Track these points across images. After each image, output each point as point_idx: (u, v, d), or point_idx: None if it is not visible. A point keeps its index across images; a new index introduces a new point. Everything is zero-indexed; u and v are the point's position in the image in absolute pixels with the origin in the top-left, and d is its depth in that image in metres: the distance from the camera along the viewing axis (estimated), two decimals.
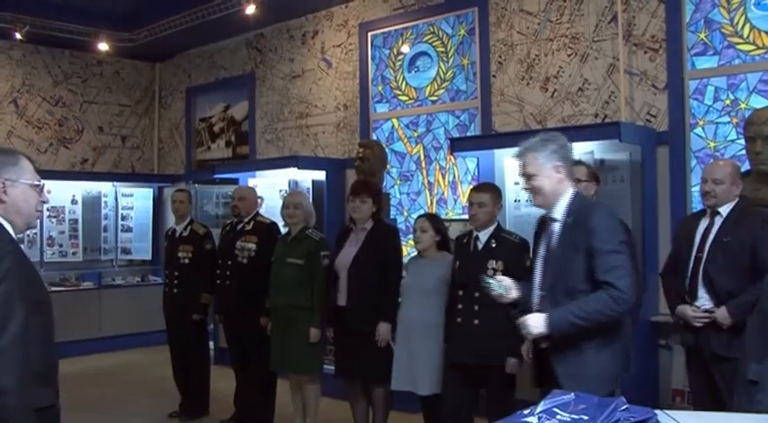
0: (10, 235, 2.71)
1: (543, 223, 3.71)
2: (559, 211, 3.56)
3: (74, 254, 10.32)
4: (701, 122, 5.94)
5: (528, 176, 3.57)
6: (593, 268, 3.38)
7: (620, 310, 3.33)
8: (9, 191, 2.74)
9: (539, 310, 3.50)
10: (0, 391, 2.41)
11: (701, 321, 4.26)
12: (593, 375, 3.37)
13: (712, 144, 5.87)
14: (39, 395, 2.60)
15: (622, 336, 3.47)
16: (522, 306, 3.66)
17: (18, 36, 9.41)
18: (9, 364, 2.44)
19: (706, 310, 4.27)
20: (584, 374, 3.37)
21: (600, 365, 3.39)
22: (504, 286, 3.66)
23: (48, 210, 9.81)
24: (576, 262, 3.43)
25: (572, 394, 2.34)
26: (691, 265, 4.38)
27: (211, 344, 7.58)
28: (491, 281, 3.70)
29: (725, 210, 4.32)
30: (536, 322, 3.43)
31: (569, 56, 6.63)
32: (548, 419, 2.21)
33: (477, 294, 4.65)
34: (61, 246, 10.17)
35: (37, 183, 2.85)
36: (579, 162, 4.75)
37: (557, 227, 3.56)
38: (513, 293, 3.67)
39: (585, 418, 2.19)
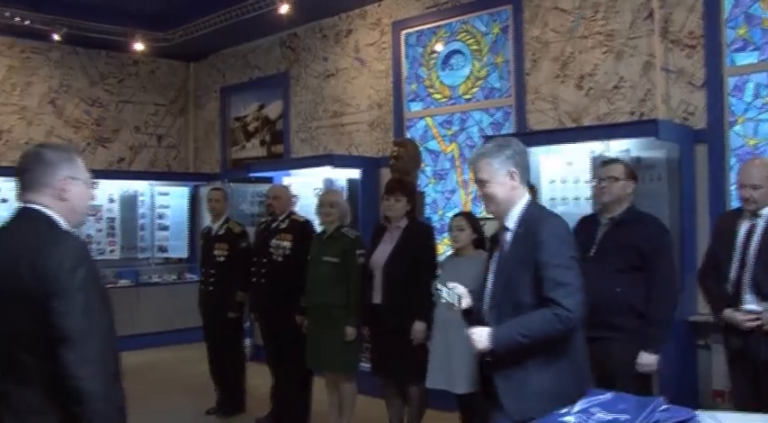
0: (82, 240, 2.70)
1: (498, 232, 3.56)
2: (512, 221, 3.39)
3: (111, 252, 10.43)
4: (740, 120, 5.86)
5: (481, 183, 3.41)
6: (539, 282, 3.20)
7: (564, 328, 3.16)
8: (70, 188, 2.67)
9: (487, 323, 3.35)
10: (92, 398, 2.40)
11: (751, 324, 4.18)
12: (535, 393, 3.19)
13: (752, 142, 5.79)
14: (118, 395, 2.60)
15: (572, 354, 3.28)
16: (476, 316, 3.49)
17: (56, 37, 9.57)
18: (97, 370, 2.43)
19: (753, 311, 4.19)
20: (525, 392, 3.21)
21: (542, 384, 3.19)
22: (455, 294, 3.50)
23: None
24: (524, 275, 3.25)
25: (609, 394, 2.32)
26: (733, 269, 4.31)
27: (247, 341, 7.63)
28: (441, 288, 3.54)
29: (767, 211, 4.26)
30: (480, 337, 3.29)
31: (604, 53, 6.57)
32: (586, 419, 2.20)
33: None
34: (99, 244, 10.29)
35: (92, 180, 2.80)
36: (615, 160, 4.72)
37: (508, 237, 3.40)
38: (465, 303, 3.52)
39: (624, 417, 2.18)
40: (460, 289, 3.56)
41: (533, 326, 3.20)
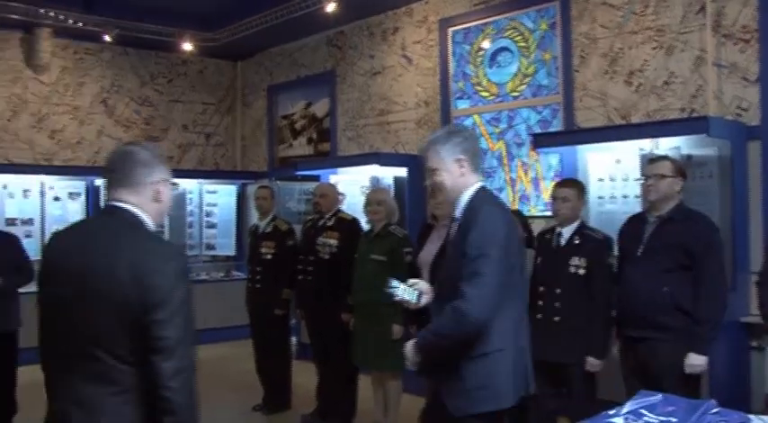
0: (182, 248, 2.71)
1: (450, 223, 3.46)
2: (459, 209, 3.31)
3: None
4: None
5: (430, 171, 3.34)
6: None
7: (462, 326, 3.05)
8: (164, 190, 2.65)
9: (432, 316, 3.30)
10: (183, 408, 2.42)
11: None
12: (468, 389, 3.14)
13: None
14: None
15: (509, 349, 3.18)
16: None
17: (108, 39, 9.74)
18: (188, 380, 2.44)
19: None
20: (461, 388, 3.16)
21: (476, 380, 3.13)
22: (413, 291, 3.42)
23: None
24: (459, 267, 3.15)
25: (659, 395, 2.28)
26: None
27: (294, 339, 7.67)
28: (398, 285, 3.43)
29: None
30: (409, 349, 3.27)
31: (654, 49, 6.48)
32: (634, 420, 2.16)
33: (558, 291, 4.62)
34: None
35: (174, 181, 2.76)
36: (664, 157, 4.65)
37: (455, 227, 3.33)
38: (424, 300, 3.44)
39: (674, 420, 2.14)
40: (422, 285, 3.50)
41: (439, 324, 3.18)
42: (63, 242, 2.63)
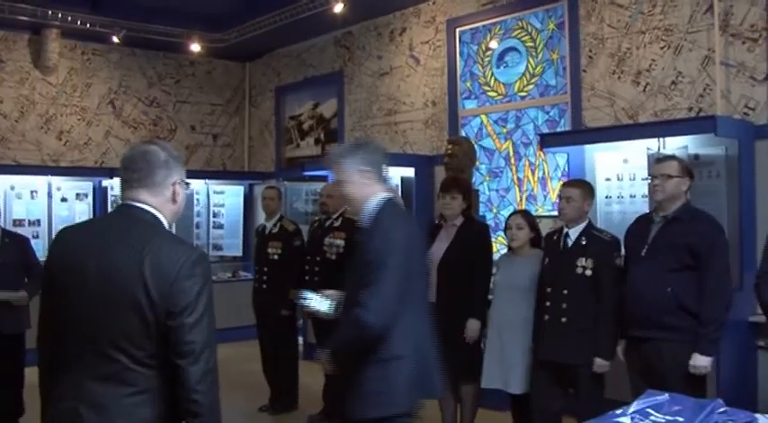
0: (203, 251, 2.70)
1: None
2: (365, 219, 3.38)
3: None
4: None
5: (338, 183, 3.44)
6: None
7: (362, 333, 3.13)
8: (181, 192, 2.64)
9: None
10: (208, 410, 2.43)
11: None
12: (367, 394, 3.20)
13: None
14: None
15: (411, 354, 3.24)
16: None
17: (115, 40, 9.77)
18: (213, 383, 2.46)
19: None
20: (359, 393, 3.22)
21: (376, 385, 3.18)
22: (325, 301, 3.53)
23: None
24: (362, 274, 3.22)
25: (666, 395, 2.28)
26: None
27: (300, 339, 7.66)
28: (309, 296, 3.54)
29: None
30: (323, 357, 3.37)
31: (662, 48, 6.46)
32: (641, 420, 2.16)
33: (565, 292, 4.61)
34: None
35: (188, 183, 2.73)
36: (671, 157, 4.64)
37: (361, 235, 3.40)
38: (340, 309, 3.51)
39: (680, 419, 2.13)
40: (336, 295, 3.61)
41: (343, 331, 3.26)
42: (76, 240, 2.57)
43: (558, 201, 5.04)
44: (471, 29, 8.24)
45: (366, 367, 3.19)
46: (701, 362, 4.17)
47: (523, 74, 7.74)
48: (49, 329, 2.57)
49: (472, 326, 5.16)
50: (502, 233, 5.98)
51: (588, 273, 4.59)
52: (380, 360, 3.18)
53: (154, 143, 2.69)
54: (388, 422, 3.21)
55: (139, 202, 2.55)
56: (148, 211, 2.54)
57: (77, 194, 9.77)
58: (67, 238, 2.62)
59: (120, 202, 2.64)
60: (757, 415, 2.20)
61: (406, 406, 3.25)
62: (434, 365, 3.40)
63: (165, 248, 2.44)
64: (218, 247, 10.91)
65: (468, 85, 8.27)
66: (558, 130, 7.28)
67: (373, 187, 3.39)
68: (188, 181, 2.71)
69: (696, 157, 5.67)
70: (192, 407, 2.40)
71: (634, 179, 6.13)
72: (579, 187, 4.83)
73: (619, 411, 2.20)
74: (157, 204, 2.57)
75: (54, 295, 2.54)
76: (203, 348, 2.40)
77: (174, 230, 8.95)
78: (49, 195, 9.56)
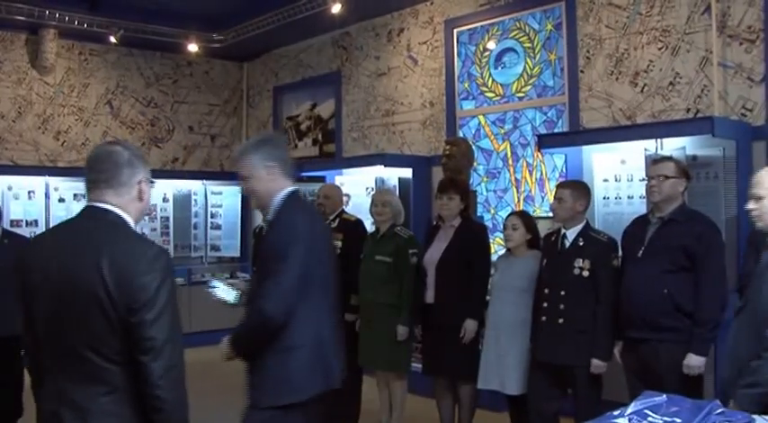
0: (165, 248, 2.71)
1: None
2: (271, 213, 3.44)
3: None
4: None
5: (242, 179, 3.48)
6: None
7: (259, 323, 3.23)
8: (146, 190, 2.65)
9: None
10: (172, 406, 2.44)
11: None
12: (266, 381, 3.27)
13: None
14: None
15: (312, 344, 3.30)
16: None
17: (113, 40, 9.77)
18: (178, 378, 2.46)
19: None
20: (259, 380, 3.30)
21: (274, 372, 3.25)
22: (231, 291, 3.58)
23: None
24: (266, 266, 3.32)
25: (664, 396, 2.28)
26: None
27: None
28: (217, 284, 3.60)
29: None
30: (223, 344, 3.39)
31: (660, 49, 6.47)
32: (639, 421, 2.16)
33: (562, 293, 4.61)
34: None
35: (153, 180, 2.76)
36: (667, 158, 4.64)
37: (268, 229, 3.46)
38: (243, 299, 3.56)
39: (678, 421, 2.13)
40: (241, 284, 3.69)
41: (244, 320, 3.33)
42: (45, 246, 2.61)
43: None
44: (469, 29, 8.24)
45: (266, 356, 3.26)
46: (694, 362, 4.18)
47: (521, 75, 7.74)
48: (29, 333, 2.60)
49: (470, 326, 5.16)
50: (500, 234, 6.00)
51: (585, 274, 4.59)
52: (280, 349, 3.25)
53: (117, 143, 2.73)
54: (289, 410, 3.26)
55: (104, 202, 2.57)
56: (112, 211, 2.56)
57: (75, 195, 9.74)
58: (35, 243, 2.71)
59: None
60: (755, 416, 2.21)
61: (305, 394, 3.31)
62: (335, 355, 3.45)
63: (124, 246, 2.47)
64: (215, 248, 10.89)
65: (466, 85, 8.28)
66: (556, 130, 7.29)
67: (278, 182, 3.44)
68: (153, 179, 2.75)
69: (694, 158, 5.67)
70: (155, 403, 2.41)
71: (632, 180, 6.13)
72: (570, 188, 4.83)
73: (616, 412, 2.21)
74: (122, 204, 2.59)
75: (26, 299, 2.57)
76: (164, 344, 2.41)
77: (171, 231, 8.93)
78: (47, 196, 9.56)
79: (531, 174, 7.64)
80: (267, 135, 3.68)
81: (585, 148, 6.34)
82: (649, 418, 2.16)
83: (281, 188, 3.44)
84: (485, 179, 8.06)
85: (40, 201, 9.54)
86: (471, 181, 7.49)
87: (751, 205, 3.44)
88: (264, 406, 3.28)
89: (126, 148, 2.65)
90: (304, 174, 9.05)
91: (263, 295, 3.20)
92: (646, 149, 5.85)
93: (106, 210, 2.56)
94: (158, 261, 2.47)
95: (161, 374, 2.39)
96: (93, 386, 2.42)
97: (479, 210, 7.72)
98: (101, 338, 2.40)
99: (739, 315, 3.34)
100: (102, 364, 2.41)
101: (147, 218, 10.22)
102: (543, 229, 5.47)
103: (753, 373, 2.95)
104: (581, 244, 4.68)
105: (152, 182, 2.71)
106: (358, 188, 8.43)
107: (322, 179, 8.53)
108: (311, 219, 3.47)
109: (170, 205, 10.61)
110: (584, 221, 4.79)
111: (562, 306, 4.61)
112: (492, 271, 5.38)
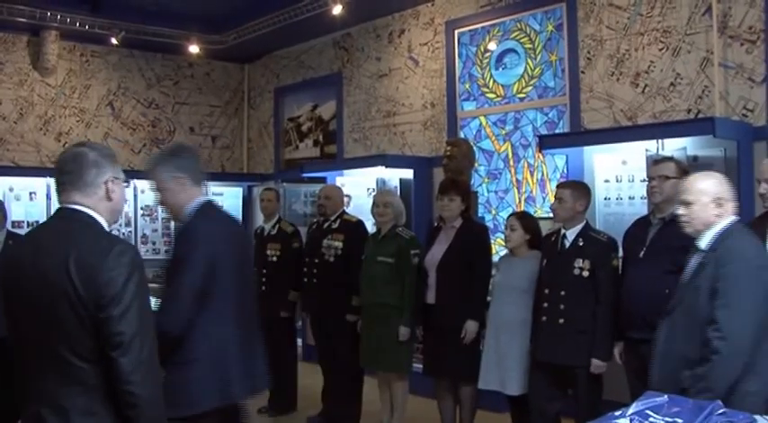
0: (132, 244, 2.73)
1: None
2: (181, 225, 3.51)
3: (166, 251, 10.52)
4: None
5: (155, 191, 3.51)
6: None
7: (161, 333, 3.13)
8: (115, 189, 2.65)
9: None
10: (145, 402, 2.44)
11: None
12: (168, 391, 3.04)
13: None
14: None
15: (210, 356, 3.30)
16: None
17: (114, 41, 9.78)
18: (149, 374, 2.47)
19: None
20: (165, 390, 3.29)
21: (174, 382, 3.18)
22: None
23: (141, 208, 10.15)
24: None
25: (665, 396, 2.28)
26: None
27: (299, 341, 7.66)
28: None
29: None
30: None
31: (661, 50, 6.47)
32: (640, 422, 2.16)
33: (562, 293, 4.61)
34: (154, 243, 10.42)
35: (127, 180, 2.79)
36: (668, 158, 4.64)
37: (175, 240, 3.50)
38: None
39: (679, 421, 2.13)
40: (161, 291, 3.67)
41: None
42: (20, 249, 2.67)
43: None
44: (470, 30, 8.24)
45: (167, 369, 3.20)
46: None
47: (522, 75, 7.74)
48: (13, 334, 2.62)
49: (470, 327, 5.16)
50: (501, 235, 5.99)
51: (585, 274, 4.59)
52: (177, 362, 3.24)
53: (83, 144, 2.75)
54: (187, 421, 3.25)
55: (73, 203, 2.60)
56: (82, 212, 2.59)
57: None
58: (13, 248, 2.75)
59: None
60: (756, 416, 2.20)
61: (200, 408, 3.30)
62: (236, 369, 3.44)
63: (89, 243, 2.49)
64: None
65: (467, 86, 8.28)
66: (557, 131, 7.28)
67: (188, 192, 3.48)
68: (127, 179, 2.78)
69: (695, 158, 5.67)
70: (128, 399, 2.42)
71: (633, 181, 6.13)
72: (570, 188, 4.83)
73: (618, 413, 2.21)
74: (91, 204, 2.61)
75: (6, 301, 2.60)
76: (132, 339, 2.41)
77: (172, 232, 8.90)
78: (48, 197, 9.53)
79: (532, 175, 7.63)
80: (175, 147, 3.70)
81: (586, 148, 6.34)
82: (651, 419, 2.16)
83: (191, 199, 3.48)
84: (486, 180, 8.05)
85: (42, 202, 9.53)
86: (472, 182, 7.49)
87: (681, 211, 3.51)
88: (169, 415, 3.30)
89: (92, 149, 2.66)
90: (305, 175, 9.05)
91: (160, 308, 3.21)
92: (647, 150, 5.85)
93: (75, 210, 2.59)
94: (124, 256, 2.48)
95: (131, 370, 2.40)
96: (70, 386, 2.44)
97: (480, 211, 7.72)
98: (75, 337, 2.42)
99: (672, 314, 3.38)
100: (77, 363, 2.42)
101: (147, 219, 10.24)
102: (544, 229, 5.46)
103: (702, 379, 3.03)
104: (581, 244, 4.67)
105: (126, 182, 2.74)
106: (359, 189, 8.43)
107: (323, 180, 8.53)
108: (220, 228, 3.49)
109: None
110: (584, 222, 4.79)
111: (562, 306, 4.61)
112: (493, 272, 5.38)
